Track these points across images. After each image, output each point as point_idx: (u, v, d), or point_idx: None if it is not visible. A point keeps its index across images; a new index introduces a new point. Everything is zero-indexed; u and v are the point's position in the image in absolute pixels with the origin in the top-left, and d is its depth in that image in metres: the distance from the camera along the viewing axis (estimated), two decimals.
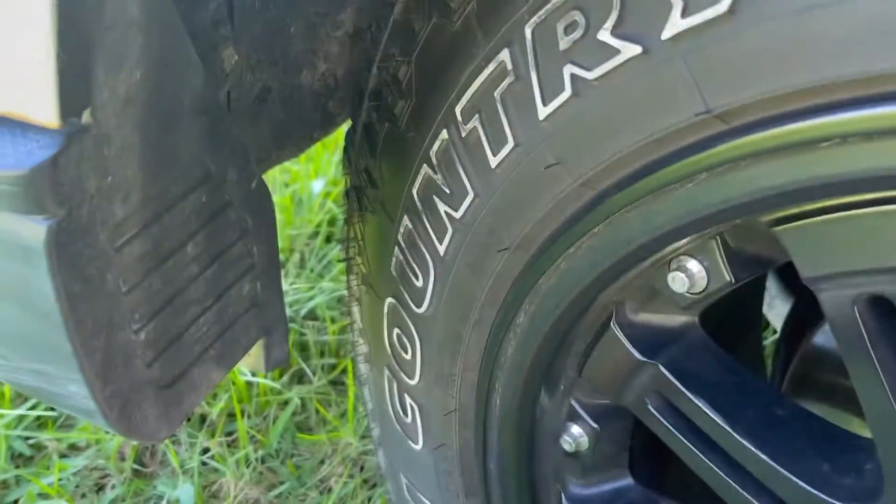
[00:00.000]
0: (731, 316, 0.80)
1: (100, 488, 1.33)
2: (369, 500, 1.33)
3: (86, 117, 0.40)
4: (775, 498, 0.58)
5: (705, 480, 0.62)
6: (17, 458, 1.35)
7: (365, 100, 0.68)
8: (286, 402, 1.46)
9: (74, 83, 0.38)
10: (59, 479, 1.30)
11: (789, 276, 1.03)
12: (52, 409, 1.39)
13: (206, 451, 1.37)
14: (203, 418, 1.45)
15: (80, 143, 0.41)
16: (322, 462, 1.40)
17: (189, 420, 1.44)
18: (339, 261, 0.73)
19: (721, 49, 0.40)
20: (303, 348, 1.57)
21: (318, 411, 1.46)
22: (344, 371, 1.51)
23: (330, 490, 1.35)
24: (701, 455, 0.61)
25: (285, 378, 1.50)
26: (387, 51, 0.61)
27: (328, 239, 1.78)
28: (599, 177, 0.49)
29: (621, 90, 0.45)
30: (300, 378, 1.53)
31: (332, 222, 1.80)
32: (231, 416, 1.43)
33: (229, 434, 1.40)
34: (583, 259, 0.55)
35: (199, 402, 0.74)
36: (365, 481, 1.34)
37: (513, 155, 0.53)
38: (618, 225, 0.51)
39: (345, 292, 1.69)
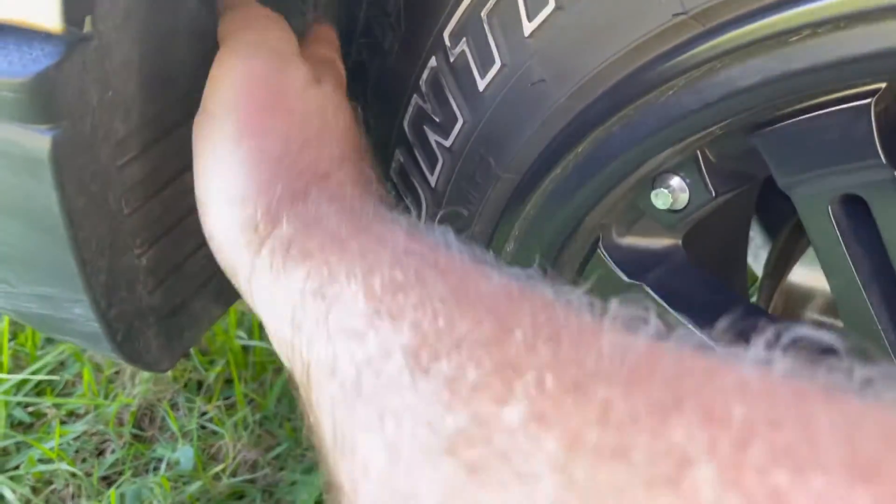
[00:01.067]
0: (715, 261, 0.82)
1: (100, 452, 1.35)
2: None
3: (87, 26, 0.42)
4: None
5: None
6: (16, 426, 1.37)
7: (354, 40, 0.69)
8: (282, 367, 1.47)
9: None
10: (59, 445, 1.32)
11: (771, 224, 1.05)
12: (52, 374, 1.41)
13: (203, 414, 1.39)
14: (200, 384, 1.46)
15: (82, 52, 0.43)
16: None
17: (186, 385, 1.45)
18: None
19: None
20: None
21: None
22: None
23: None
24: None
25: None
26: None
27: None
28: (583, 91, 0.51)
29: None
30: None
31: None
32: (228, 381, 1.44)
33: (227, 398, 1.42)
34: (569, 180, 0.57)
35: (201, 337, 0.76)
36: None
37: (500, 76, 0.54)
38: (601, 140, 0.53)
39: None
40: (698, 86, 0.46)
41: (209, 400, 1.42)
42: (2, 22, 0.40)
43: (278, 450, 1.36)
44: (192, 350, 1.47)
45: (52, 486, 1.29)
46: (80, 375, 1.45)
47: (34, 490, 1.29)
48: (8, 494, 1.21)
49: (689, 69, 0.46)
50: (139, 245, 0.56)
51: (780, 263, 0.86)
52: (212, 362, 1.48)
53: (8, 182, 0.47)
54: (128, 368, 1.45)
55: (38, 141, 0.44)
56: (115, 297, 0.56)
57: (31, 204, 0.48)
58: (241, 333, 1.48)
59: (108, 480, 1.34)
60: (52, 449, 1.29)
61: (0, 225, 0.51)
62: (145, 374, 1.42)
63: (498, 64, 0.54)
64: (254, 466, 1.36)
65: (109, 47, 0.45)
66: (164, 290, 0.61)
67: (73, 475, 1.30)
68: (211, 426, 1.38)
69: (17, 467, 1.31)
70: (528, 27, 0.51)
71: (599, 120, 0.52)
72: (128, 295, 0.57)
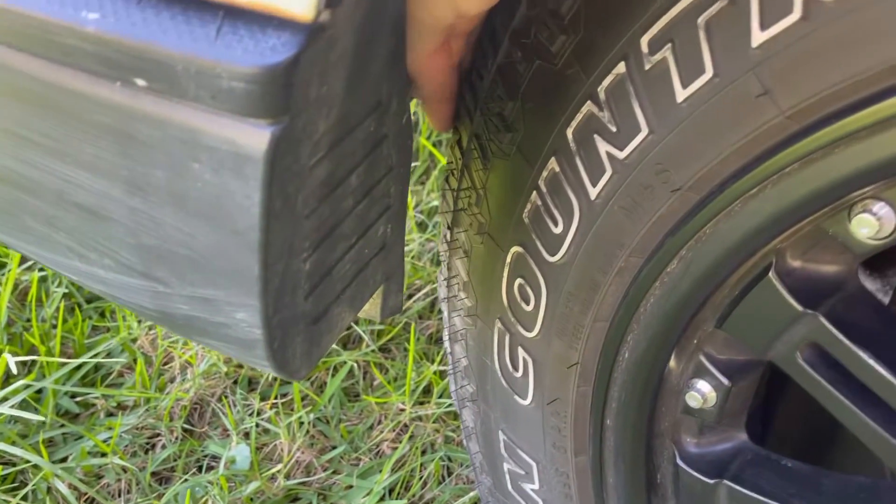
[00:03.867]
0: None
1: (151, 447, 1.31)
2: (422, 466, 1.32)
3: (325, 16, 0.38)
4: None
5: (858, 435, 0.61)
6: (63, 416, 1.32)
7: (505, 39, 0.65)
8: (335, 367, 1.44)
9: None
10: (110, 438, 1.28)
11: None
12: (100, 365, 1.36)
13: (257, 412, 1.35)
14: (250, 381, 1.43)
15: (317, 44, 0.39)
16: (372, 427, 1.38)
17: (236, 381, 1.42)
18: (459, 210, 0.68)
19: None
20: None
21: (364, 377, 1.45)
22: (392, 338, 1.50)
23: (382, 455, 1.34)
24: (855, 409, 0.60)
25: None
26: None
27: None
28: (814, 107, 0.47)
29: (859, 8, 0.43)
30: (344, 344, 1.51)
31: None
32: (282, 379, 1.41)
33: (282, 396, 1.38)
34: (765, 201, 0.54)
35: (332, 346, 0.71)
36: (417, 447, 1.33)
37: (708, 87, 0.51)
38: (820, 163, 0.49)
39: None
40: None
41: (262, 398, 1.38)
42: (241, 6, 0.37)
43: (333, 453, 1.32)
44: None
45: (103, 481, 1.25)
46: (128, 367, 1.41)
47: (83, 484, 1.25)
48: (62, 488, 1.17)
49: None
50: (307, 248, 0.53)
51: None
52: None
53: (203, 179, 0.44)
54: (177, 362, 1.41)
55: (255, 137, 0.40)
56: (280, 302, 0.52)
57: (226, 203, 0.44)
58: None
59: (157, 476, 1.30)
60: (106, 442, 1.25)
61: (177, 223, 0.47)
62: (198, 369, 1.38)
63: (709, 74, 0.50)
64: (307, 468, 1.32)
65: (336, 39, 0.41)
66: (315, 295, 0.57)
67: (125, 469, 1.26)
68: (264, 424, 1.34)
69: (65, 459, 1.27)
70: (757, 37, 0.47)
71: (822, 143, 0.48)
72: (290, 300, 0.53)
